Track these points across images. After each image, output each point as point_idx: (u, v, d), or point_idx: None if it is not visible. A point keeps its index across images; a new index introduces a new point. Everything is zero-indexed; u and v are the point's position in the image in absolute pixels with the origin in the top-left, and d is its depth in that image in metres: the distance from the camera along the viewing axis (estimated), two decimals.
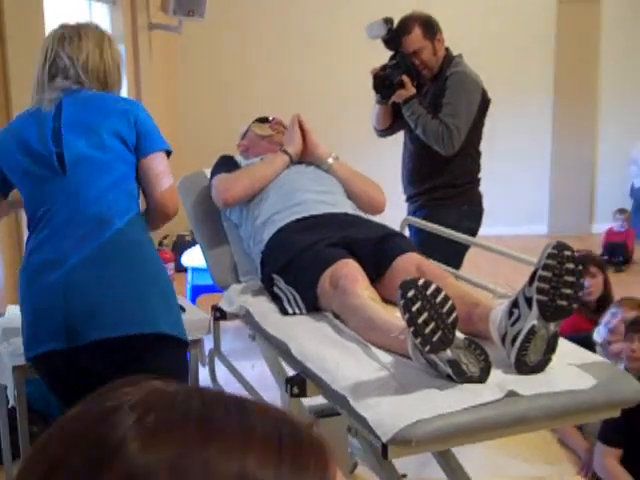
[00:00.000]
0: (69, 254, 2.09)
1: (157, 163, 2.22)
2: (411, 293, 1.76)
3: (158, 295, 2.16)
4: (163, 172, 2.22)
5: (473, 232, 3.49)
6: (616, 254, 6.71)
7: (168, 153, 2.27)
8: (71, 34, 2.23)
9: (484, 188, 3.64)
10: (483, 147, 3.61)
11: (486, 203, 3.64)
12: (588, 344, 3.53)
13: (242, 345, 3.79)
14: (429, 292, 1.78)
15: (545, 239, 7.68)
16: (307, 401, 2.27)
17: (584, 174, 8.07)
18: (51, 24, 3.92)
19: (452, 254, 3.21)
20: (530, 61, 7.80)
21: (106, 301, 2.08)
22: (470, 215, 3.53)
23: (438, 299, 1.78)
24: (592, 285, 4.08)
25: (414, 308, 1.76)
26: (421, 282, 1.78)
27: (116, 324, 2.08)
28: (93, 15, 4.98)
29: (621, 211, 6.98)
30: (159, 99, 6.74)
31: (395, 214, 3.28)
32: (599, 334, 3.60)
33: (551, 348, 1.90)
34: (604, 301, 4.09)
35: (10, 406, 2.49)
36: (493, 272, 5.43)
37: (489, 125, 3.59)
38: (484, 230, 3.64)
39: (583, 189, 8.09)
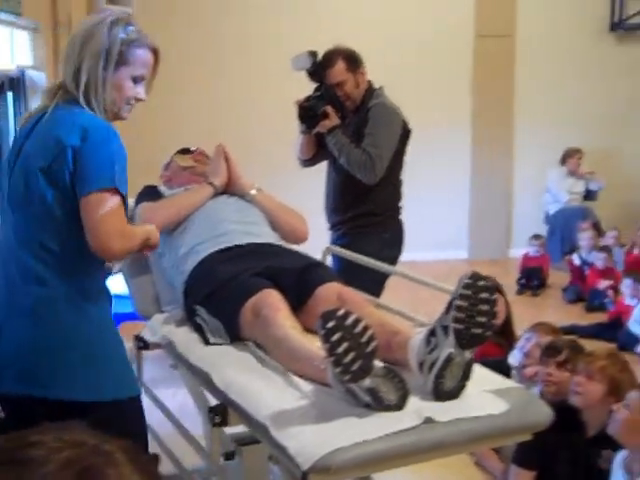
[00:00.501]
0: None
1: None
2: (331, 324, 1.81)
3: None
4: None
5: (394, 260, 3.57)
6: (532, 278, 6.90)
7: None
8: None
9: (407, 215, 3.73)
10: (406, 176, 3.71)
11: (410, 229, 3.72)
12: (502, 368, 3.64)
13: (163, 373, 3.78)
14: (349, 322, 1.83)
15: (465, 264, 7.91)
16: (229, 429, 2.29)
17: (502, 201, 8.29)
18: None
19: (373, 282, 3.28)
20: (449, 92, 7.99)
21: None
22: (391, 243, 3.61)
23: (358, 329, 1.83)
24: (497, 310, 4.16)
25: (334, 338, 1.81)
26: (341, 312, 1.83)
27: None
28: (14, 43, 4.94)
29: (536, 237, 7.19)
30: None
31: (319, 243, 3.33)
32: (514, 358, 3.71)
33: (467, 375, 1.97)
34: (507, 324, 4.22)
35: None
36: (413, 298, 5.52)
37: (411, 154, 3.69)
38: (408, 255, 3.72)
39: (501, 216, 8.31)
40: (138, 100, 2.10)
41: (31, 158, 1.98)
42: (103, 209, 1.91)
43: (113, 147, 1.96)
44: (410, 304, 2.66)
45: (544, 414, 1.97)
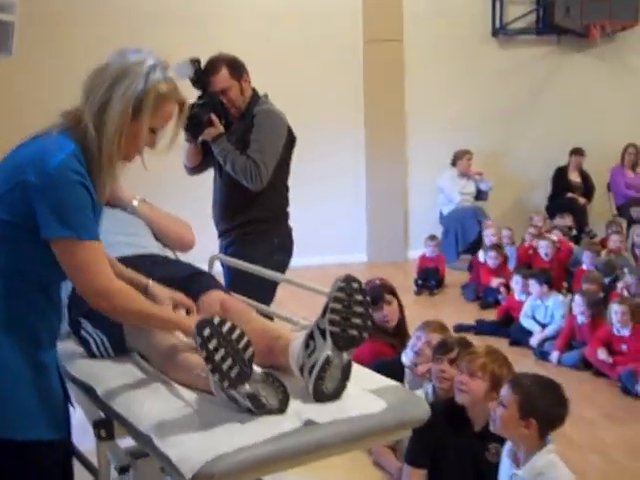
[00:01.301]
0: None
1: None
2: (207, 332, 1.84)
3: None
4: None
5: (284, 265, 3.60)
6: (429, 278, 7.04)
7: None
8: None
9: (305, 220, 3.76)
10: (302, 181, 3.74)
11: (308, 234, 3.77)
12: (396, 367, 3.73)
13: None
14: (225, 329, 1.86)
15: (365, 267, 8.01)
16: (124, 442, 2.27)
17: (397, 204, 8.44)
18: None
19: (263, 288, 3.30)
20: (341, 98, 8.09)
21: None
22: (280, 248, 3.64)
23: (234, 335, 1.87)
24: (389, 312, 4.24)
25: (210, 346, 1.83)
26: (216, 320, 1.86)
27: None
28: None
29: (432, 237, 7.34)
30: None
31: (209, 251, 3.34)
32: (406, 357, 3.80)
33: (345, 376, 2.02)
34: (401, 325, 4.31)
35: None
36: (315, 304, 5.58)
37: (306, 159, 3.73)
38: (306, 260, 3.76)
39: (397, 218, 8.45)
40: (150, 148, 2.01)
41: None
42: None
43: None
44: (309, 308, 2.68)
45: (421, 410, 2.04)
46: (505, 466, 2.84)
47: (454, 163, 8.15)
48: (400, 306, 4.33)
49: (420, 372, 3.67)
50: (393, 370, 3.38)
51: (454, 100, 8.39)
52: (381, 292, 4.25)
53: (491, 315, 6.17)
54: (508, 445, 2.85)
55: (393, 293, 4.33)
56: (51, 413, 1.97)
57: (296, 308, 2.75)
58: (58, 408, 2.01)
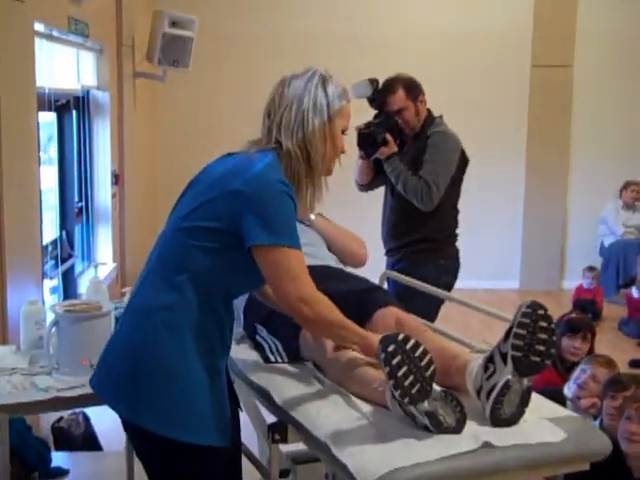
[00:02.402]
0: None
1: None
2: (391, 347, 1.86)
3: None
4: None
5: (450, 286, 3.60)
6: (585, 310, 6.82)
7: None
8: None
9: (459, 243, 3.75)
10: (460, 203, 3.73)
11: (461, 257, 3.74)
12: (559, 399, 3.62)
13: None
14: (408, 346, 1.87)
15: (516, 294, 7.88)
16: (284, 447, 2.32)
17: (555, 232, 8.23)
18: (41, 76, 4.01)
19: (428, 308, 3.31)
20: (505, 123, 8.01)
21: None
22: (447, 269, 3.64)
23: (417, 353, 1.88)
24: (581, 348, 4.11)
25: (394, 362, 1.85)
26: (401, 337, 1.88)
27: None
28: (80, 63, 5.08)
29: (590, 269, 7.13)
30: (141, 147, 6.83)
31: (375, 268, 3.37)
32: (569, 389, 3.69)
33: (524, 402, 1.98)
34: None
35: None
36: (465, 325, 5.52)
37: (465, 182, 3.72)
38: (457, 283, 3.74)
39: (554, 246, 8.25)
40: (342, 152, 2.14)
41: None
42: None
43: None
44: (461, 330, 2.67)
45: (603, 444, 1.98)
46: None
47: (620, 194, 7.87)
48: (591, 348, 4.20)
49: (583, 406, 3.56)
50: (554, 401, 3.30)
51: (623, 129, 8.11)
52: (585, 326, 4.18)
53: None
54: None
55: (592, 333, 4.23)
56: (222, 420, 2.04)
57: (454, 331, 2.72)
58: (227, 415, 2.07)
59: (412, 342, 1.88)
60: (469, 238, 5.89)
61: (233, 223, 1.95)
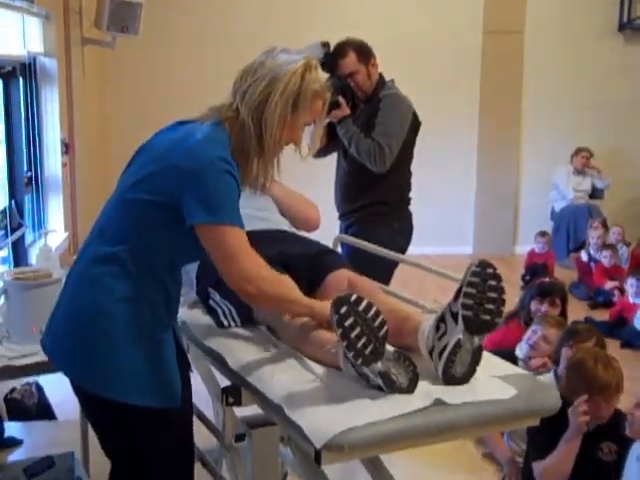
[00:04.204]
0: None
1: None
2: (344, 309, 1.86)
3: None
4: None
5: (403, 249, 3.61)
6: (537, 274, 6.91)
7: None
8: None
9: (413, 208, 3.76)
10: (415, 169, 3.74)
11: (414, 223, 3.76)
12: (509, 359, 3.68)
13: None
14: (361, 308, 1.88)
15: (469, 259, 7.89)
16: (239, 412, 2.33)
17: (508, 198, 8.33)
18: None
19: (382, 271, 3.32)
20: (457, 88, 8.04)
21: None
22: (401, 233, 3.65)
23: (369, 314, 1.88)
24: (549, 313, 4.13)
25: (347, 323, 1.85)
26: (353, 298, 1.88)
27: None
28: (26, 29, 4.96)
29: (542, 234, 7.23)
30: (92, 115, 6.72)
31: (328, 232, 3.37)
32: (521, 350, 3.76)
33: (476, 360, 2.00)
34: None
35: None
36: (420, 289, 5.57)
37: (417, 148, 3.73)
38: (411, 249, 3.76)
39: (507, 212, 8.34)
40: (295, 144, 2.11)
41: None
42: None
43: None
44: (417, 294, 2.69)
45: (552, 399, 2.01)
46: (632, 469, 2.77)
47: (571, 159, 7.96)
48: (563, 312, 4.25)
49: (533, 366, 3.62)
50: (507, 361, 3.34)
51: (574, 95, 8.19)
52: (554, 291, 4.21)
53: (601, 315, 6.04)
54: (639, 448, 2.79)
55: (563, 299, 4.26)
56: (169, 382, 2.04)
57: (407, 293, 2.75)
58: (175, 377, 2.06)
59: (365, 303, 1.88)
60: (422, 204, 5.92)
61: (174, 198, 1.93)
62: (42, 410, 3.96)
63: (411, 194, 3.77)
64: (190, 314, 2.56)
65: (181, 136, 1.99)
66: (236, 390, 2.15)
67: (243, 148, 2.01)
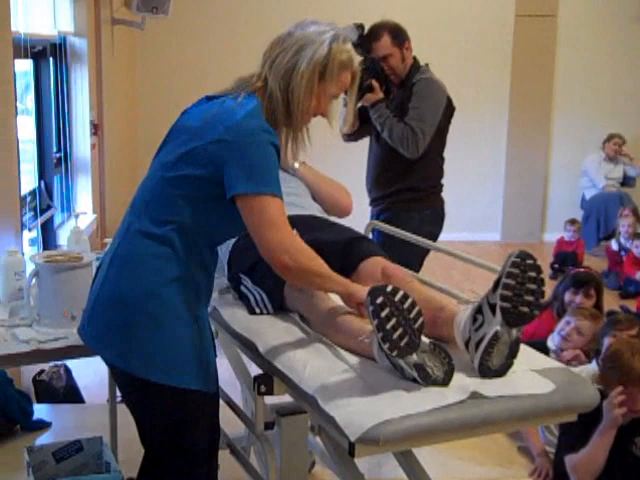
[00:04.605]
0: None
1: None
2: (380, 299, 1.82)
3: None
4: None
5: (434, 236, 3.57)
6: (566, 263, 6.85)
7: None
8: None
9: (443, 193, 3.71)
10: (445, 155, 3.69)
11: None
12: (541, 350, 3.63)
13: None
14: (397, 298, 1.83)
15: (497, 246, 7.88)
16: (269, 399, 2.30)
17: (537, 184, 8.23)
18: (16, 23, 3.88)
19: (413, 258, 3.29)
20: (487, 73, 7.95)
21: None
22: (432, 220, 3.61)
23: (406, 305, 1.84)
24: (583, 304, 4.07)
25: (383, 314, 1.81)
26: (389, 289, 1.84)
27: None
28: (56, 9, 4.95)
29: (572, 222, 7.14)
30: (121, 96, 6.71)
31: (361, 218, 3.33)
32: (553, 341, 3.70)
33: (513, 353, 1.96)
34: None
35: None
36: (446, 277, 5.53)
37: (451, 134, 3.67)
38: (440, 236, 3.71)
39: (536, 199, 8.25)
40: (323, 116, 2.10)
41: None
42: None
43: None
44: (443, 282, 2.65)
45: (590, 395, 1.96)
46: None
47: (603, 146, 7.85)
48: (598, 302, 4.17)
49: (566, 358, 3.56)
50: (539, 352, 3.30)
51: (607, 81, 8.06)
52: (589, 282, 4.15)
53: (631, 305, 5.95)
54: None
55: (598, 290, 4.19)
56: (209, 365, 2.07)
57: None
58: (213, 361, 2.10)
59: (401, 294, 1.84)
60: (451, 189, 5.85)
61: (216, 171, 1.93)
62: (70, 393, 3.96)
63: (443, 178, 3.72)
64: (221, 300, 2.53)
65: (219, 111, 1.98)
66: (268, 379, 2.12)
67: (272, 117, 1.99)
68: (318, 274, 2.02)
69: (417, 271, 3.36)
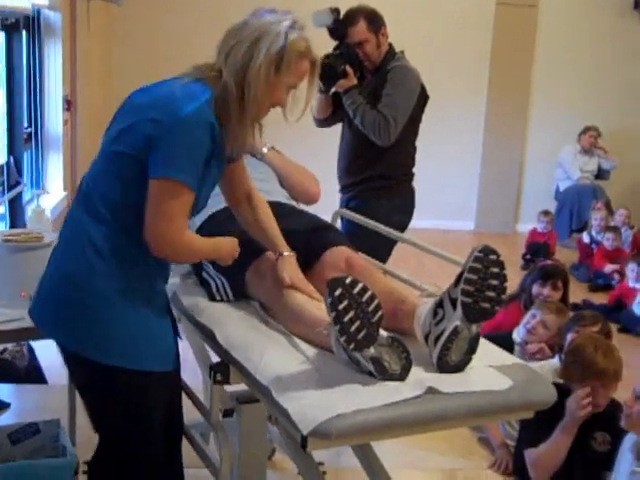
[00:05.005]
0: None
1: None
2: (338, 292, 1.79)
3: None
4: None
5: (404, 226, 3.55)
6: (538, 254, 6.86)
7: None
8: None
9: (416, 183, 3.69)
10: (419, 142, 3.66)
11: (417, 196, 3.69)
12: (506, 343, 3.63)
13: None
14: (356, 291, 1.81)
15: (471, 235, 7.89)
16: (230, 386, 2.28)
17: (512, 175, 8.23)
18: None
19: (381, 247, 3.26)
20: (465, 61, 7.90)
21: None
22: (401, 209, 3.59)
23: (364, 298, 1.82)
24: (550, 296, 4.08)
25: (340, 306, 1.79)
26: (348, 281, 1.81)
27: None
28: None
29: (545, 213, 7.15)
30: (95, 72, 6.62)
31: (329, 205, 3.30)
32: (518, 334, 3.70)
33: (472, 349, 1.95)
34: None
35: None
36: (419, 266, 5.51)
37: (423, 120, 3.64)
38: (413, 222, 3.69)
39: (510, 189, 8.26)
40: (280, 106, 2.04)
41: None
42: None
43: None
44: (415, 271, 2.64)
45: (548, 393, 1.96)
46: (626, 461, 2.72)
47: (578, 139, 7.86)
48: (565, 295, 4.18)
49: (530, 351, 3.57)
50: (502, 346, 3.29)
51: (585, 73, 8.06)
52: (557, 274, 4.14)
53: (600, 298, 5.98)
54: (632, 438, 2.74)
55: (565, 282, 4.19)
56: (162, 345, 2.04)
57: (405, 271, 2.68)
58: (169, 340, 2.07)
59: (360, 286, 1.82)
60: (426, 177, 5.84)
61: (143, 151, 1.87)
62: (32, 373, 3.91)
63: (417, 166, 3.69)
64: (182, 286, 2.50)
65: (161, 90, 1.94)
66: (225, 367, 2.10)
67: (225, 108, 1.93)
68: (192, 256, 2.11)
69: (385, 260, 3.34)
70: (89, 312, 1.93)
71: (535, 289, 4.12)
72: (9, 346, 3.90)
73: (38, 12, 5.11)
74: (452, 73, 7.79)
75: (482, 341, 2.04)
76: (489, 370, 1.98)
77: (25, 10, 4.83)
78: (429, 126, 3.80)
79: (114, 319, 1.94)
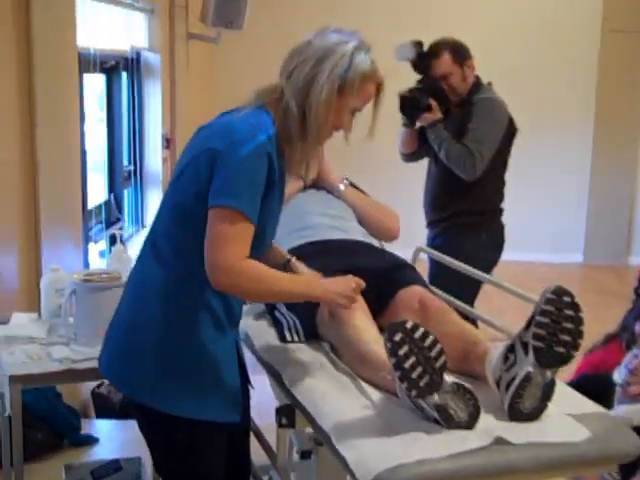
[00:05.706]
0: None
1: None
2: (398, 336, 1.72)
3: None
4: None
5: (492, 262, 3.45)
6: None
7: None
8: None
9: (522, 213, 3.59)
10: (524, 173, 3.56)
11: (523, 228, 3.58)
12: (605, 384, 3.45)
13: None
14: (417, 335, 1.74)
15: (579, 268, 7.60)
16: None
17: (623, 205, 7.91)
18: (84, 36, 3.93)
19: (468, 284, 3.15)
20: (571, 90, 7.67)
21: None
22: (489, 245, 3.49)
23: (426, 342, 1.74)
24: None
25: (401, 352, 1.72)
26: (409, 325, 1.74)
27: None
28: (131, 24, 5.01)
29: None
30: (194, 111, 6.75)
31: (414, 240, 3.23)
32: (619, 374, 3.50)
33: (546, 396, 1.83)
34: None
35: (7, 415, 2.47)
36: (502, 305, 5.33)
37: (531, 150, 3.56)
38: (517, 255, 3.58)
39: (621, 219, 7.93)
40: (344, 130, 1.98)
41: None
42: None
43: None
44: (498, 313, 2.51)
45: (630, 444, 1.81)
46: None
47: None
48: None
49: (632, 393, 3.37)
50: (601, 387, 3.14)
51: None
52: None
53: None
54: None
55: None
56: (228, 395, 1.97)
57: (502, 305, 2.56)
58: (235, 390, 2.00)
59: (421, 331, 1.74)
60: (532, 208, 5.75)
61: (205, 185, 1.82)
62: (127, 408, 3.96)
63: (520, 199, 3.59)
64: (255, 325, 2.48)
65: (221, 122, 1.91)
66: (290, 411, 2.06)
67: (286, 132, 1.89)
68: (258, 293, 1.91)
69: (473, 297, 3.25)
70: (144, 358, 1.91)
71: (638, 327, 3.91)
72: (106, 381, 3.97)
73: (138, 54, 5.26)
74: (559, 103, 7.57)
75: (563, 388, 1.93)
76: (566, 419, 1.85)
77: (125, 52, 4.98)
78: (535, 156, 3.72)
79: (169, 366, 1.90)
